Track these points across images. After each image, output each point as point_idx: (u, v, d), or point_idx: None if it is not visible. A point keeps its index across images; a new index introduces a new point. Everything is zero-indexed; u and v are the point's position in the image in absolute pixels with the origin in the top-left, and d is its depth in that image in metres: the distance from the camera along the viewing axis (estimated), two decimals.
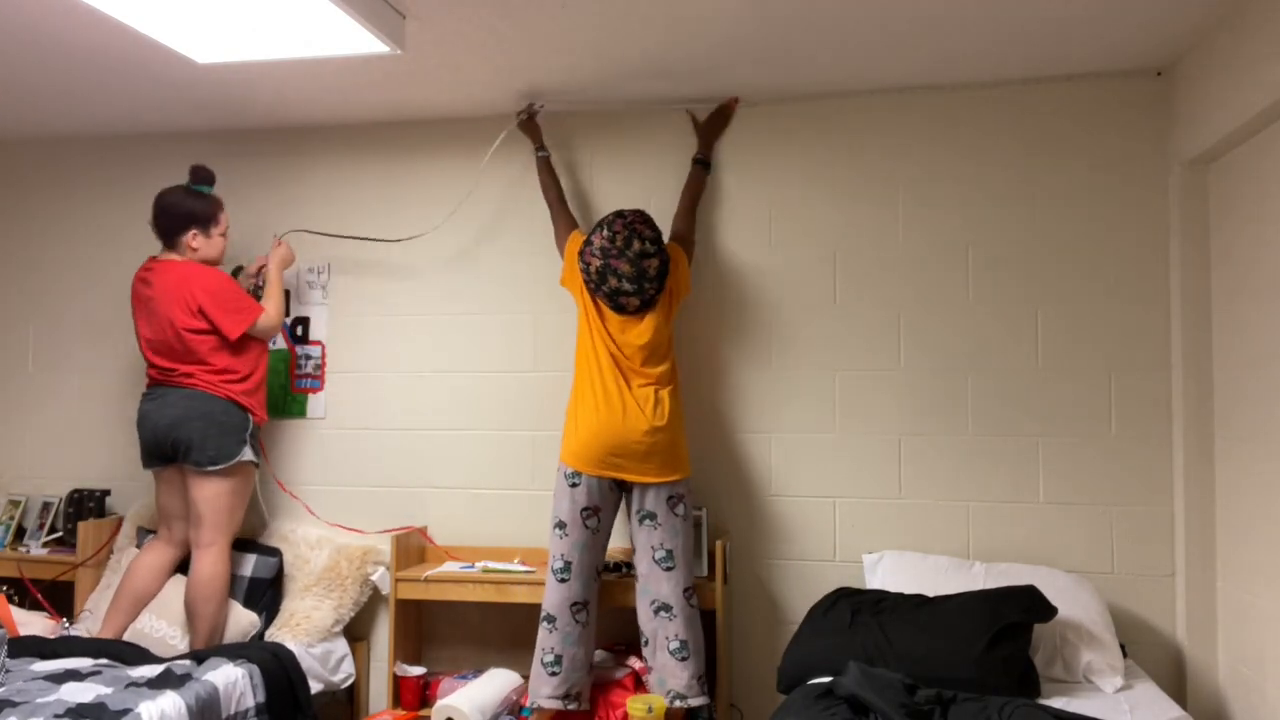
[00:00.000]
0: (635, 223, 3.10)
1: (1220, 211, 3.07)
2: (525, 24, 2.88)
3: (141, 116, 3.77)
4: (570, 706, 3.10)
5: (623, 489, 3.16)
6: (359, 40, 2.77)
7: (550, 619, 3.12)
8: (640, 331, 3.13)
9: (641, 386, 3.11)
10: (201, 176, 3.41)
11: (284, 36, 2.77)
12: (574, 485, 3.11)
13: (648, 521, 3.11)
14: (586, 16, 2.83)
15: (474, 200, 3.72)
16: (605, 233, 3.09)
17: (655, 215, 3.58)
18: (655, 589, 3.10)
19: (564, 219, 3.44)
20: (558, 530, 3.13)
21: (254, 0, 2.52)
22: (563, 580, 3.11)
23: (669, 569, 3.09)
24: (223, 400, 3.29)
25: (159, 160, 4.00)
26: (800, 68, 3.23)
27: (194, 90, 3.46)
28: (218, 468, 3.26)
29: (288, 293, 3.79)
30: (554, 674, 3.09)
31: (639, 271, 3.07)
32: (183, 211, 3.35)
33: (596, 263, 3.10)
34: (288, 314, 3.81)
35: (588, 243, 3.15)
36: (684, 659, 3.06)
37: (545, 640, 3.12)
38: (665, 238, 3.44)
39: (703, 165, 3.48)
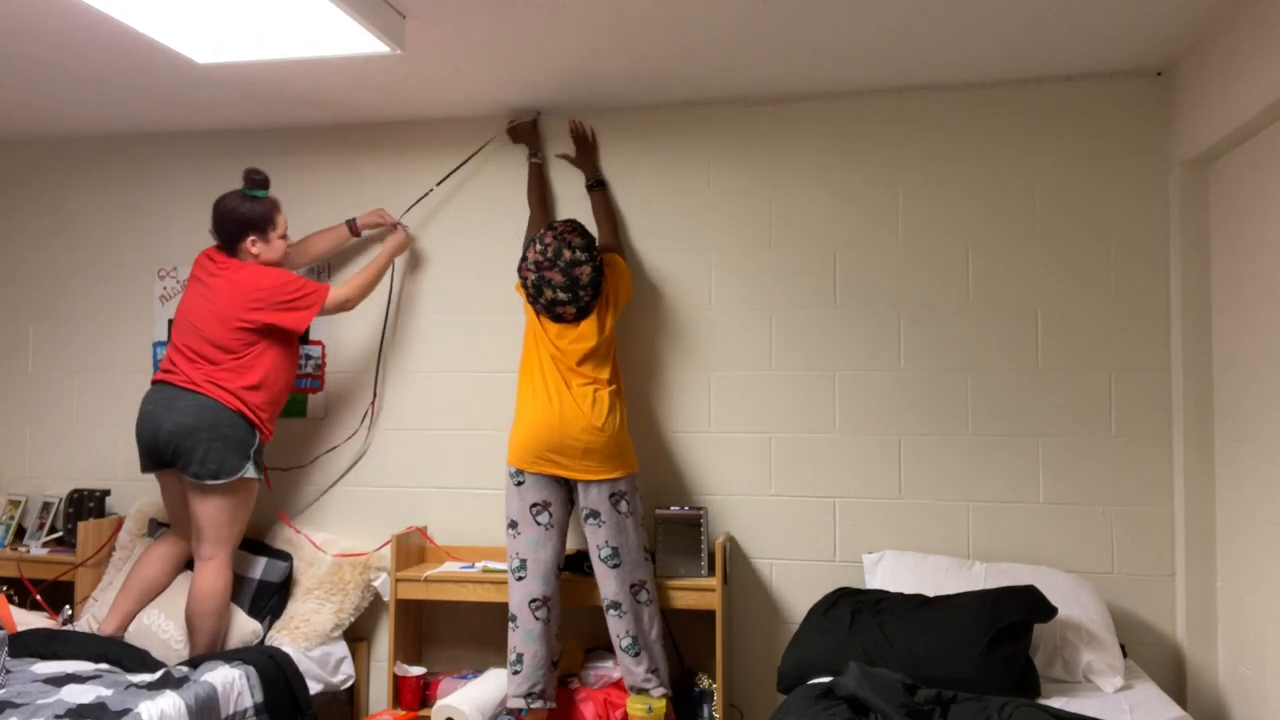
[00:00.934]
0: (565, 233, 3.18)
1: (1220, 211, 3.07)
2: (525, 25, 2.88)
3: (141, 116, 3.77)
4: (535, 705, 3.11)
5: (569, 487, 3.19)
6: (359, 40, 2.77)
7: (512, 618, 3.16)
8: (577, 337, 3.17)
9: (581, 386, 3.15)
10: (255, 180, 3.35)
11: (284, 36, 2.77)
12: (519, 483, 3.17)
13: (592, 520, 3.15)
14: (586, 17, 2.83)
15: (475, 201, 3.72)
16: (537, 247, 3.17)
17: (654, 215, 3.59)
18: (604, 587, 3.15)
19: (538, 224, 3.53)
20: (511, 530, 3.18)
21: (254, 0, 2.52)
22: (520, 578, 3.15)
23: (615, 567, 3.13)
24: (233, 413, 3.22)
25: (159, 160, 4.00)
26: (800, 68, 3.23)
27: (194, 90, 3.46)
28: (219, 482, 3.20)
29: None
30: (516, 673, 3.12)
31: (572, 280, 3.13)
32: (239, 218, 3.32)
33: (531, 276, 3.17)
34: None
35: (523, 259, 3.21)
36: (636, 654, 3.13)
37: (510, 640, 3.17)
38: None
39: (598, 186, 3.55)
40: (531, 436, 3.12)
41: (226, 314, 3.25)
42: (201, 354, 3.25)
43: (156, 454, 3.24)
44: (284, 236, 3.41)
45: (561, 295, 3.14)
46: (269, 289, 3.28)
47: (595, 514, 3.14)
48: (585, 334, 3.17)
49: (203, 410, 3.20)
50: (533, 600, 3.13)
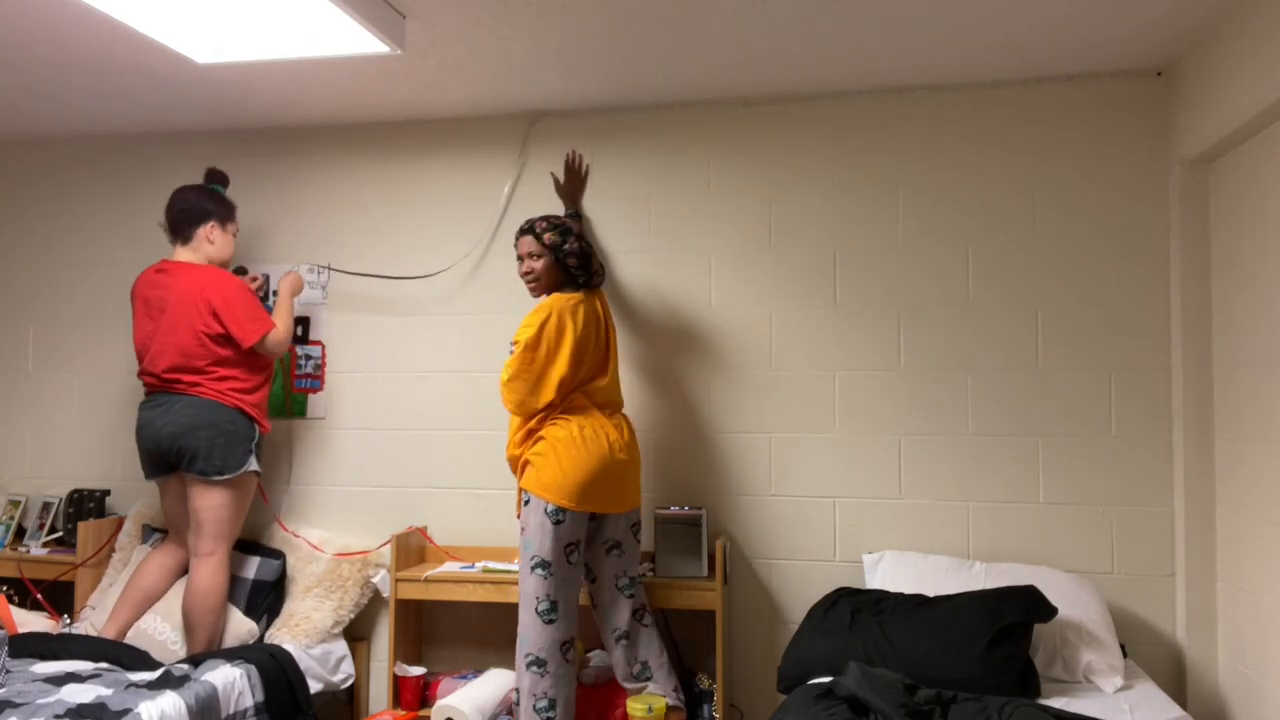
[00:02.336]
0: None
1: (1220, 211, 3.07)
2: (525, 24, 2.88)
3: (141, 116, 3.77)
4: None
5: (591, 519, 3.13)
6: (359, 40, 2.77)
7: (540, 663, 2.95)
8: (609, 372, 3.16)
9: (610, 415, 3.13)
10: (217, 177, 3.47)
11: (284, 36, 2.77)
12: (559, 523, 2.97)
13: (614, 551, 3.13)
14: (586, 17, 2.83)
15: (476, 201, 3.73)
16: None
17: (654, 215, 3.59)
18: (617, 618, 3.12)
19: None
20: (540, 570, 2.97)
21: (254, 0, 2.52)
22: (550, 621, 2.96)
23: (630, 596, 3.12)
24: (230, 409, 3.27)
25: (159, 160, 4.00)
26: (800, 68, 3.23)
27: (194, 90, 3.46)
28: (224, 478, 3.24)
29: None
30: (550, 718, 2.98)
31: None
32: (203, 205, 3.39)
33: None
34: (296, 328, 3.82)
35: (577, 252, 3.17)
36: (647, 679, 3.13)
37: (537, 685, 2.95)
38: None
39: (575, 218, 3.57)
40: (583, 471, 2.98)
41: (194, 318, 3.26)
42: (181, 368, 3.26)
43: (159, 458, 3.27)
44: (234, 235, 3.49)
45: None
46: (234, 295, 3.30)
47: (618, 545, 3.13)
48: (608, 366, 3.17)
49: (200, 409, 3.23)
50: (564, 643, 2.99)
